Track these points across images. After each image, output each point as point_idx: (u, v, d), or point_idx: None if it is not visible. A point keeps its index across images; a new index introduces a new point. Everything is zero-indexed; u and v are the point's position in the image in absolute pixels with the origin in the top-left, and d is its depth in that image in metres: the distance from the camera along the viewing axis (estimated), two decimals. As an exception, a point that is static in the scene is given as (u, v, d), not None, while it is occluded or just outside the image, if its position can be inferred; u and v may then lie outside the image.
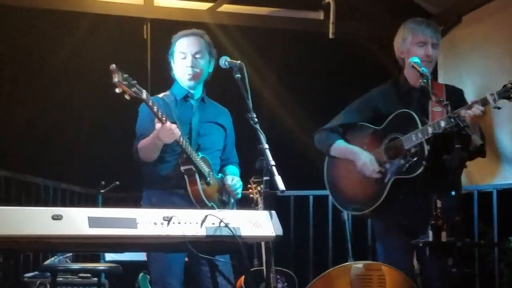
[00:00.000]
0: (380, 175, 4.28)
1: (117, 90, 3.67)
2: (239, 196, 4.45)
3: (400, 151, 4.26)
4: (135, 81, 3.76)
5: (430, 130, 4.12)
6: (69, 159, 7.04)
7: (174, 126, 3.98)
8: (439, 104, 4.11)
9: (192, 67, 4.31)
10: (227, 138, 4.52)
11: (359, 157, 4.37)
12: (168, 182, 4.22)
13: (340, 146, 4.50)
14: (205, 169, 4.22)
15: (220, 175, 4.43)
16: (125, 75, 3.69)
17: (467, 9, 6.36)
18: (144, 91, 3.83)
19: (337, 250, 6.28)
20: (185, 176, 4.15)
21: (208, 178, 4.25)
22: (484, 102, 4.02)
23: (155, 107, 3.92)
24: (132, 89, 3.72)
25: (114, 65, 3.63)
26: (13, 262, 5.34)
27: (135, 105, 3.89)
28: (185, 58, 4.32)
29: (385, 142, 4.35)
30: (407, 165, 4.21)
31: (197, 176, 4.16)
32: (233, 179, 4.39)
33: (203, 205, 4.13)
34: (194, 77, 4.31)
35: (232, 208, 4.43)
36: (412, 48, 4.36)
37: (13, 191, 5.93)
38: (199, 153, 4.25)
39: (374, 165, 4.30)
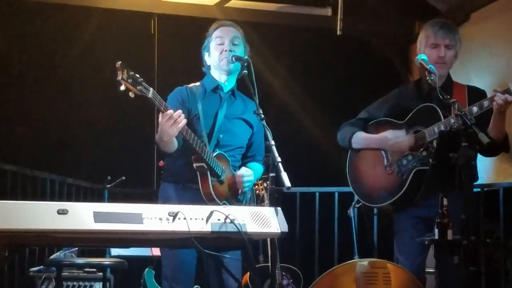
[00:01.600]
0: (413, 143, 4.29)
1: (122, 88, 3.58)
2: (246, 189, 4.29)
3: (422, 143, 4.29)
4: (142, 79, 3.65)
5: (452, 121, 4.12)
6: (75, 154, 7.06)
7: (177, 113, 3.82)
8: (462, 98, 4.14)
9: (231, 51, 4.22)
10: (254, 136, 4.39)
11: (387, 138, 4.38)
12: (182, 177, 4.16)
13: (361, 136, 4.51)
14: (219, 167, 4.13)
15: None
16: (131, 73, 3.59)
17: (476, 7, 6.33)
18: (151, 89, 3.71)
19: (343, 247, 6.27)
20: (197, 173, 4.11)
21: (222, 176, 4.15)
22: (507, 91, 4.02)
23: (158, 100, 3.81)
24: (138, 87, 3.62)
25: (120, 62, 3.55)
26: (19, 256, 5.34)
27: (144, 100, 3.82)
28: (223, 44, 4.25)
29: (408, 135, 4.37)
30: (429, 156, 4.21)
31: (208, 174, 4.07)
32: (247, 171, 4.27)
33: (214, 204, 4.04)
34: (232, 61, 4.21)
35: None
36: (426, 50, 4.38)
37: (20, 185, 5.94)
38: (217, 150, 4.17)
39: (407, 136, 4.31)
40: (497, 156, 4.59)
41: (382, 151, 4.46)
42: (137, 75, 3.62)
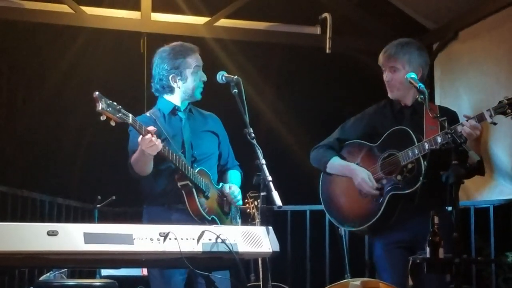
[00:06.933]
0: (378, 192, 4.28)
1: (102, 118, 3.67)
2: (240, 203, 4.43)
3: (396, 167, 4.28)
4: (120, 106, 3.75)
5: (426, 146, 4.13)
6: (65, 173, 7.03)
7: (154, 137, 3.92)
8: (434, 121, 4.12)
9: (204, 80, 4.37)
10: (221, 144, 4.51)
11: (357, 174, 4.38)
12: (166, 198, 4.21)
13: (336, 163, 4.51)
14: (203, 182, 4.20)
15: (220, 184, 4.41)
16: (109, 102, 3.68)
17: (464, 25, 6.36)
18: (130, 115, 3.82)
19: (334, 266, 6.25)
20: (183, 192, 4.13)
21: (207, 192, 4.23)
22: (480, 118, 4.01)
23: (138, 125, 3.89)
24: (117, 115, 3.72)
25: (97, 93, 3.64)
26: (8, 278, 5.30)
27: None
28: (200, 73, 4.36)
29: (381, 158, 4.37)
30: (404, 180, 4.22)
31: (194, 191, 4.14)
32: (231, 187, 4.36)
33: (203, 220, 4.11)
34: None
35: (235, 218, 4.44)
36: None
37: (9, 205, 5.90)
38: (195, 166, 4.23)
39: (372, 182, 4.31)
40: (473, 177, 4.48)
41: None
42: (115, 103, 3.71)
